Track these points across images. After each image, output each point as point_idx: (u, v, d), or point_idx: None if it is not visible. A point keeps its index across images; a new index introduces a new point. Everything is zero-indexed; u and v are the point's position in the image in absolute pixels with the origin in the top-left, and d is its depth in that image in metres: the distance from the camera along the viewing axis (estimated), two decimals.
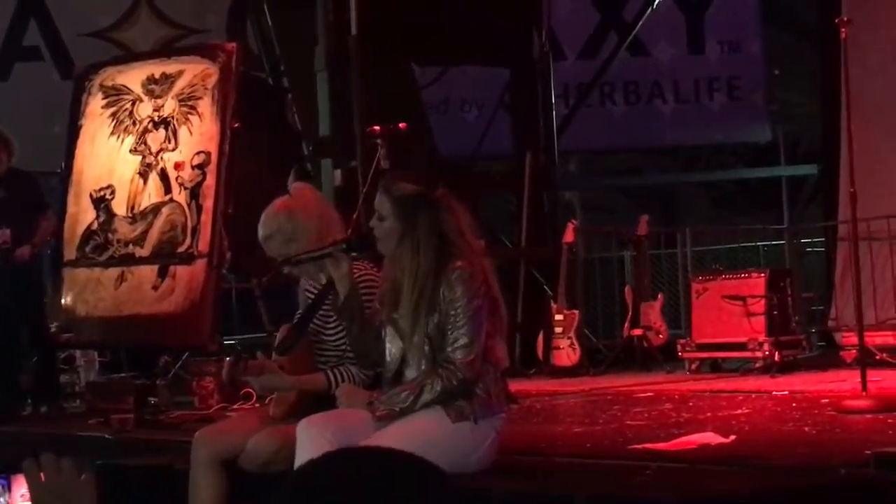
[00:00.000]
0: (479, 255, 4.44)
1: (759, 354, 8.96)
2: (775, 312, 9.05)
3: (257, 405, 6.65)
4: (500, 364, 4.51)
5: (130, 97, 8.82)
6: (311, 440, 4.23)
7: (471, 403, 4.34)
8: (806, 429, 5.69)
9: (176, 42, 12.58)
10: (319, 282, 4.85)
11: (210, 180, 8.25)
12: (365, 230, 4.50)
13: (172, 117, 8.56)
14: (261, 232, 4.86)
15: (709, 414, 6.46)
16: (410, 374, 4.42)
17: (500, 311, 4.45)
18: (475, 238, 4.47)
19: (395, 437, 4.26)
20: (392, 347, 4.47)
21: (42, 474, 2.25)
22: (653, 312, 10.02)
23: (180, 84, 8.59)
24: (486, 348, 4.39)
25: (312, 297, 4.83)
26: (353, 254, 4.54)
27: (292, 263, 4.69)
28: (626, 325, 10.10)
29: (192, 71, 8.58)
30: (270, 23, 11.34)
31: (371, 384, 4.63)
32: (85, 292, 8.63)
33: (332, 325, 4.80)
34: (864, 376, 6.40)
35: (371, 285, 4.58)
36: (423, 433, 4.26)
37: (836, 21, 6.64)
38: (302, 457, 4.25)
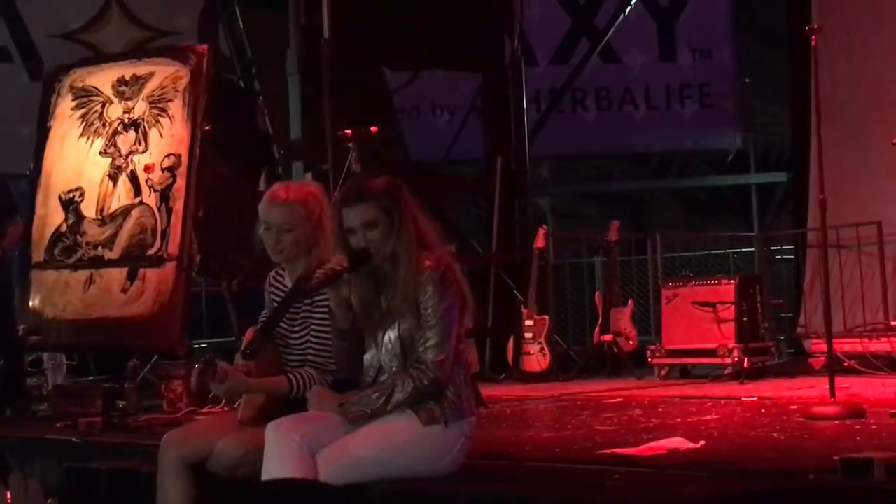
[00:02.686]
0: (446, 252, 4.42)
1: (728, 361, 9.00)
2: (745, 319, 9.09)
3: (226, 409, 6.63)
4: (471, 368, 4.51)
5: (100, 99, 8.78)
6: (279, 443, 4.22)
7: (441, 406, 4.33)
8: (774, 435, 5.71)
9: (147, 44, 12.52)
10: (283, 282, 4.85)
11: (180, 183, 8.22)
12: (357, 247, 4.39)
13: (143, 119, 8.52)
14: (277, 196, 4.75)
15: (678, 419, 6.48)
16: (383, 378, 4.41)
17: (469, 305, 4.44)
18: (440, 237, 4.45)
19: (364, 439, 4.26)
20: (369, 354, 4.46)
21: (8, 494, 2.22)
22: (623, 318, 10.05)
23: (151, 86, 8.55)
24: (457, 351, 4.38)
25: (278, 299, 4.82)
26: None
27: (308, 294, 4.57)
28: (597, 330, 10.13)
29: (162, 73, 8.54)
30: (242, 25, 11.30)
31: (333, 386, 4.62)
32: (53, 295, 8.58)
33: (297, 327, 4.79)
34: (832, 383, 6.44)
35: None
36: (392, 436, 4.26)
37: (807, 29, 6.67)
38: (270, 460, 4.24)
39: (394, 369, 4.37)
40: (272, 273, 4.97)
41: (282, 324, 4.76)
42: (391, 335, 4.37)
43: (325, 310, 4.60)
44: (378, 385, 4.36)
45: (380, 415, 4.30)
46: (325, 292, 4.50)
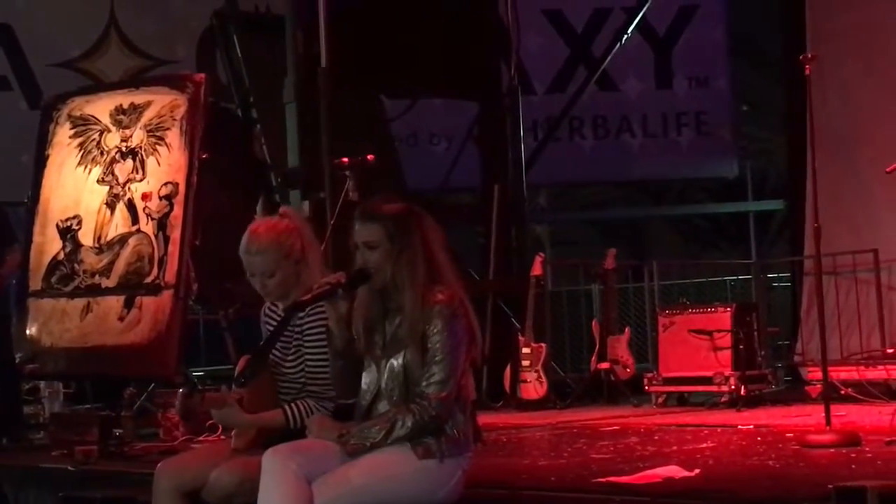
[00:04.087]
0: (460, 288, 4.39)
1: (725, 388, 8.99)
2: (741, 347, 9.08)
3: (223, 437, 6.62)
4: (470, 399, 4.48)
5: (98, 127, 8.80)
6: (275, 471, 4.21)
7: (438, 442, 4.30)
8: (770, 463, 5.72)
9: (145, 72, 12.59)
10: (277, 311, 4.85)
11: (177, 211, 8.23)
12: (358, 265, 4.38)
13: (140, 148, 8.54)
14: (251, 246, 4.77)
15: (674, 447, 6.48)
16: (383, 406, 4.38)
17: (476, 343, 4.41)
18: (455, 270, 4.42)
19: (361, 470, 4.25)
20: (367, 379, 4.43)
21: None
22: (620, 346, 10.04)
23: (148, 114, 8.58)
24: (460, 387, 4.36)
25: (273, 326, 4.82)
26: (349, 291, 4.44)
27: (301, 308, 4.55)
28: (594, 358, 10.12)
29: (160, 101, 8.56)
30: (240, 54, 11.34)
31: (335, 414, 4.61)
32: (50, 323, 8.58)
33: (291, 356, 4.78)
34: (828, 411, 6.43)
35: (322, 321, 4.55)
36: (387, 468, 4.25)
37: (801, 58, 6.70)
38: (267, 487, 4.23)
39: (394, 398, 4.35)
40: (267, 304, 4.98)
41: (275, 352, 4.75)
42: (395, 363, 4.34)
43: (317, 337, 4.60)
44: (378, 418, 4.33)
45: (378, 447, 4.29)
46: (315, 321, 4.50)
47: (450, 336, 4.26)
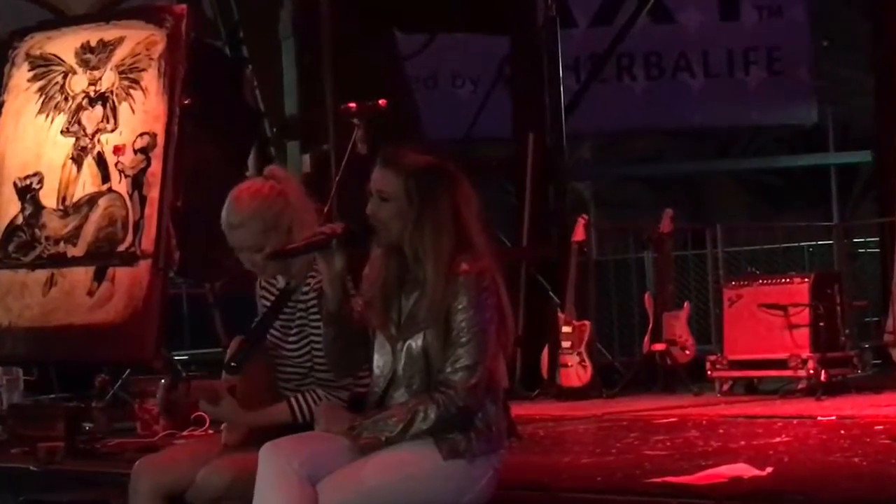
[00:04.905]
0: (491, 259, 4.36)
1: (801, 374, 9.00)
2: (821, 324, 9.08)
3: (211, 431, 6.66)
4: (501, 387, 4.47)
5: (62, 69, 8.83)
6: (275, 470, 4.21)
7: (467, 438, 4.28)
8: (856, 460, 5.71)
9: (117, 4, 12.59)
10: (276, 284, 4.85)
11: (155, 167, 8.26)
12: (362, 219, 4.36)
13: (111, 92, 8.57)
14: (231, 217, 4.77)
15: (742, 443, 6.49)
16: (400, 396, 4.37)
17: (507, 325, 4.39)
18: (487, 238, 4.38)
19: (375, 469, 4.25)
20: (380, 361, 4.42)
21: None
22: (677, 324, 10.05)
23: (121, 53, 8.60)
24: (490, 372, 4.35)
25: (270, 301, 4.83)
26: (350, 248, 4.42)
27: (284, 256, 4.55)
28: (646, 338, 10.13)
29: (134, 38, 8.58)
30: None
31: (346, 407, 4.61)
32: (7, 298, 8.63)
33: (293, 336, 4.78)
34: None
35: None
36: (407, 468, 4.23)
37: None
38: (263, 489, 4.24)
39: (414, 386, 4.33)
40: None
41: (274, 332, 4.76)
42: (414, 345, 4.31)
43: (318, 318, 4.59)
44: (396, 408, 4.31)
45: (395, 443, 4.28)
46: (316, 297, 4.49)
47: (477, 313, 4.23)
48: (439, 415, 4.23)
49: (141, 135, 8.38)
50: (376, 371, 4.42)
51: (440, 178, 4.29)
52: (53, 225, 8.61)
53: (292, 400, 4.68)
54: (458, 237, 4.26)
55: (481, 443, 4.30)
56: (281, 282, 4.85)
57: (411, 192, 4.26)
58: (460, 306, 4.23)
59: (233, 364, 4.57)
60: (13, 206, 8.80)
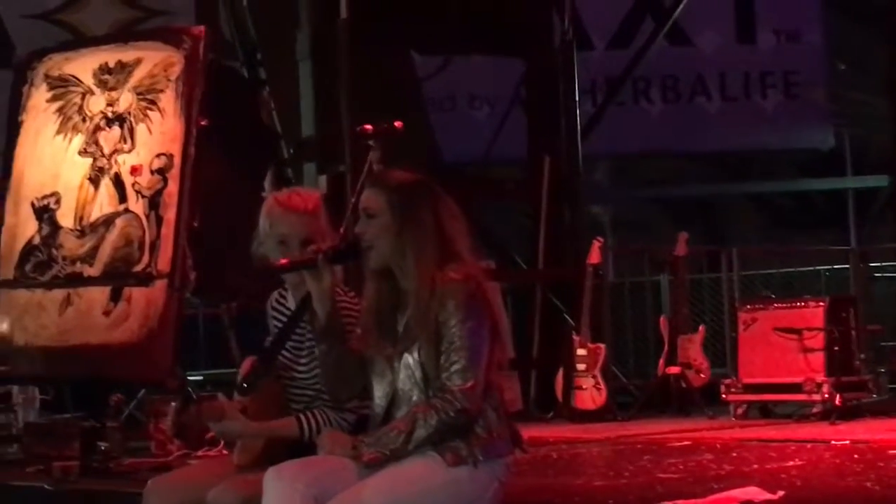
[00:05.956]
0: (478, 269, 4.41)
1: (816, 398, 8.98)
2: (836, 348, 9.07)
3: (224, 451, 6.66)
4: (504, 400, 4.49)
5: (80, 89, 8.85)
6: (280, 493, 4.22)
7: (468, 444, 4.31)
8: (868, 485, 5.70)
9: (135, 25, 12.66)
10: (287, 304, 4.86)
11: (172, 187, 8.27)
12: (353, 237, 4.45)
13: (129, 113, 8.58)
14: (294, 202, 4.78)
15: (755, 466, 6.49)
16: (400, 413, 4.39)
17: (500, 342, 4.43)
18: (474, 251, 4.46)
19: (380, 486, 4.26)
20: (380, 384, 4.45)
21: None
22: (692, 347, 10.04)
23: (138, 74, 8.62)
24: (487, 381, 4.38)
25: (282, 322, 4.84)
26: (338, 266, 4.50)
27: (273, 273, 4.61)
28: (661, 361, 10.12)
29: (152, 59, 8.60)
30: (245, 4, 11.39)
31: (353, 430, 4.63)
32: (24, 318, 8.64)
33: (304, 357, 4.79)
34: None
35: (349, 314, 4.58)
36: (414, 482, 4.26)
37: None
38: None
39: (413, 399, 4.37)
40: (275, 294, 5.00)
41: (286, 353, 4.77)
42: (410, 359, 4.36)
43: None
44: (397, 421, 4.36)
45: (400, 455, 4.29)
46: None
47: (467, 318, 4.28)
48: (439, 419, 4.26)
49: (158, 155, 8.40)
50: (377, 397, 4.45)
51: (422, 192, 4.41)
52: (70, 245, 8.63)
53: (301, 416, 4.70)
54: (443, 249, 4.35)
55: (484, 448, 4.33)
56: (291, 302, 4.87)
57: (394, 206, 4.37)
58: (449, 313, 4.28)
59: (245, 384, 4.58)
60: (31, 226, 8.83)
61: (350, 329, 4.52)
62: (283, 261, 4.58)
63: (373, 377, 4.46)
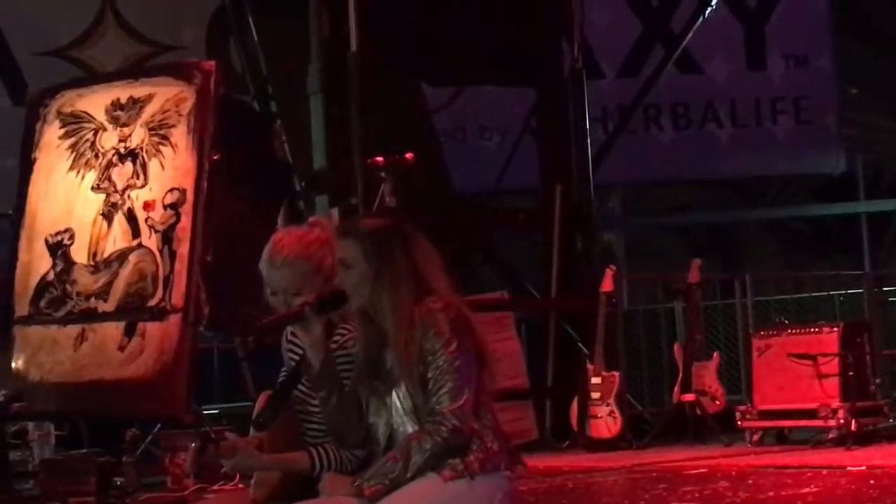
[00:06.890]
0: (457, 298, 4.45)
1: (832, 423, 8.97)
2: (851, 373, 9.05)
3: (240, 486, 6.67)
4: (498, 421, 4.52)
5: (92, 126, 8.89)
6: None
7: (464, 459, 4.35)
8: None
9: (147, 61, 12.70)
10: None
11: (185, 222, 8.31)
12: (338, 285, 4.50)
13: (141, 149, 8.62)
14: (274, 257, 4.79)
15: (771, 493, 6.49)
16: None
17: (488, 370, 4.46)
18: (450, 285, 4.49)
19: None
20: (379, 423, 4.49)
21: None
22: (707, 374, 10.02)
23: (150, 110, 8.66)
24: (478, 403, 4.41)
25: (297, 358, 4.85)
26: (327, 314, 4.53)
27: (261, 331, 4.67)
28: (676, 389, 10.10)
29: (163, 94, 8.65)
30: (256, 38, 11.44)
31: (362, 466, 4.64)
32: (39, 354, 8.67)
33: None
34: None
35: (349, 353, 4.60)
36: (416, 502, 4.29)
37: None
38: None
39: (408, 432, 4.41)
40: (289, 329, 5.01)
41: (301, 388, 4.79)
42: (399, 393, 4.42)
43: (350, 372, 4.64)
44: (392, 451, 4.40)
45: (401, 483, 4.33)
46: (349, 354, 4.54)
47: (450, 341, 4.33)
48: (434, 442, 4.30)
49: (171, 190, 8.44)
50: (380, 430, 4.48)
51: (393, 236, 4.47)
52: (84, 281, 8.65)
53: (313, 450, 4.71)
54: (419, 288, 4.41)
55: (481, 462, 4.35)
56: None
57: (368, 254, 4.43)
58: (432, 340, 4.33)
59: (260, 420, 4.60)
60: (45, 263, 8.86)
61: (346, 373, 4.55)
62: (267, 320, 4.63)
63: (372, 417, 4.50)
